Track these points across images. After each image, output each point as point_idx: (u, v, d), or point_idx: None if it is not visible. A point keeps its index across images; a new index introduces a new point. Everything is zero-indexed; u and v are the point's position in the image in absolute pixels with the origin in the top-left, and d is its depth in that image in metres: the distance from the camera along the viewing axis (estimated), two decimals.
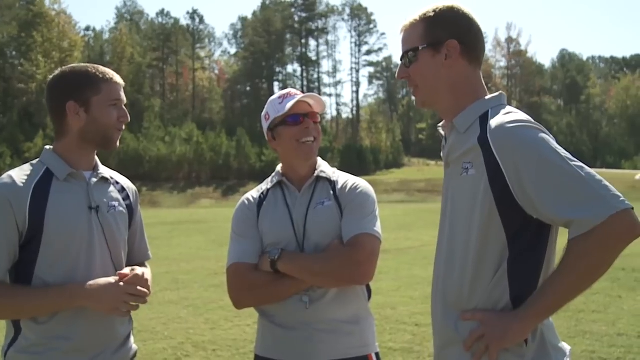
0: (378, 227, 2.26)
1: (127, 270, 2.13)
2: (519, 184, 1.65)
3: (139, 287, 2.10)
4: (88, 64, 2.20)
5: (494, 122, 1.72)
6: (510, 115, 1.74)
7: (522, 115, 1.74)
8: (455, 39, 1.81)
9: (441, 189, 1.99)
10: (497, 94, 1.86)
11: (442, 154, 1.96)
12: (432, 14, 1.84)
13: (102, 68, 2.19)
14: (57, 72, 2.21)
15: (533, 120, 1.72)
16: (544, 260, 1.74)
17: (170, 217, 27.21)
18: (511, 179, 1.65)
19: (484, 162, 1.70)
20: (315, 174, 2.34)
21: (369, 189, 2.36)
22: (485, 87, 1.90)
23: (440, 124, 1.97)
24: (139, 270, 2.17)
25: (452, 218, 1.83)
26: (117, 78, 2.21)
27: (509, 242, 1.71)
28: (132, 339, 2.30)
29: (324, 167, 2.39)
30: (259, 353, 2.34)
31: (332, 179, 2.36)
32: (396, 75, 1.95)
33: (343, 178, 2.37)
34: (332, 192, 2.31)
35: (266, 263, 2.22)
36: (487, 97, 1.85)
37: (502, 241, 1.72)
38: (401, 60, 1.91)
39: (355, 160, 64.37)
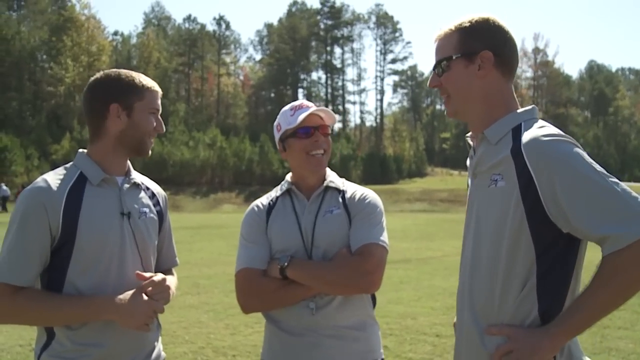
0: (385, 237, 2.29)
1: (147, 274, 2.13)
2: (552, 198, 1.63)
3: (157, 299, 2.10)
4: (131, 71, 2.22)
5: (528, 135, 1.71)
6: (544, 129, 1.73)
7: (556, 130, 1.73)
8: (490, 50, 1.81)
9: (464, 199, 1.97)
10: (529, 107, 1.86)
11: (468, 165, 1.95)
12: (467, 24, 1.85)
13: (144, 76, 2.22)
14: (100, 74, 2.21)
15: (567, 135, 1.71)
16: (572, 275, 1.73)
17: (193, 222, 27.39)
18: (544, 193, 1.64)
19: (515, 174, 1.69)
20: (324, 184, 2.38)
21: (377, 199, 2.40)
22: (517, 100, 1.89)
23: (468, 135, 1.96)
24: (159, 276, 2.16)
25: (478, 229, 1.82)
26: (157, 88, 2.23)
27: (537, 257, 1.70)
28: (160, 345, 2.32)
29: (332, 178, 2.43)
30: (265, 359, 2.37)
31: (341, 188, 2.40)
32: (428, 83, 1.96)
33: (352, 188, 2.42)
34: (341, 200, 2.35)
35: (275, 269, 2.24)
36: (519, 110, 1.84)
37: (531, 255, 1.70)
38: (434, 69, 1.91)
39: (378, 168, 64.32)
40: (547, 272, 1.70)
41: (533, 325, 1.71)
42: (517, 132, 1.75)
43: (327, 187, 2.38)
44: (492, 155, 1.79)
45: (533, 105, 1.87)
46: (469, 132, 1.97)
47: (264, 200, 2.45)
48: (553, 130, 1.72)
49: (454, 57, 1.84)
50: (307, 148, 2.33)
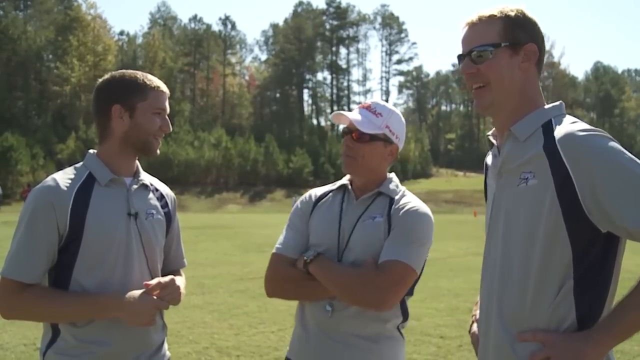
0: (418, 258, 2.19)
1: (154, 281, 2.14)
2: (592, 194, 1.55)
3: (168, 300, 2.14)
4: (137, 72, 2.23)
5: (562, 130, 1.64)
6: (577, 124, 1.67)
7: (589, 125, 1.66)
8: (534, 43, 1.76)
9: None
10: (557, 103, 1.80)
11: (489, 164, 1.89)
12: (512, 13, 1.76)
13: (150, 76, 2.23)
14: (107, 76, 2.24)
15: (602, 130, 1.64)
16: (611, 277, 1.64)
17: (197, 222, 27.42)
18: (582, 189, 1.56)
19: (550, 171, 1.61)
20: (377, 189, 2.32)
21: (426, 216, 2.28)
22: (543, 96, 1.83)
23: (490, 132, 1.89)
24: (168, 278, 2.18)
25: (507, 231, 1.72)
26: (164, 87, 2.23)
27: (574, 258, 1.61)
28: (165, 345, 2.34)
29: (390, 184, 2.36)
30: (288, 355, 2.39)
31: (393, 196, 2.32)
32: (461, 69, 1.83)
33: (405, 199, 2.32)
34: (387, 209, 2.28)
35: (301, 262, 2.26)
36: (546, 106, 1.78)
37: (568, 256, 1.61)
38: (467, 55, 1.80)
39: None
40: (585, 274, 1.61)
41: (569, 331, 1.61)
42: (548, 128, 1.68)
43: (380, 193, 2.32)
44: (521, 152, 1.71)
45: (561, 101, 1.81)
46: (489, 131, 1.90)
47: (320, 190, 2.47)
48: (587, 125, 1.65)
49: (502, 45, 1.75)
50: (342, 149, 2.34)
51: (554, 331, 1.62)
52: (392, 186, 2.36)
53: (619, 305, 1.58)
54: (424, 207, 2.31)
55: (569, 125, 1.65)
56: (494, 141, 1.87)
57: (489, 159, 1.91)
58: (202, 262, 13.04)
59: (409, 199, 2.33)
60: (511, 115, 1.77)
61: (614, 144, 1.59)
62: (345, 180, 2.42)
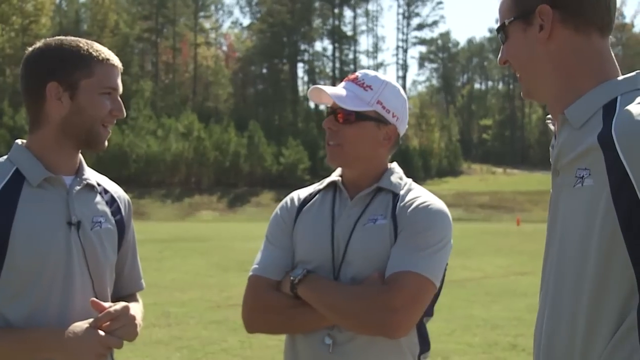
0: (435, 267, 2.21)
1: (106, 305, 2.11)
2: None
3: (120, 335, 2.10)
4: (80, 39, 2.22)
5: (624, 114, 1.55)
6: None
7: None
8: (547, 2, 1.70)
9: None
10: (631, 74, 1.70)
11: (550, 158, 1.83)
12: None
13: (97, 45, 2.21)
14: (39, 44, 2.21)
15: None
16: None
17: (162, 233, 27.43)
18: None
19: (605, 168, 1.54)
20: (375, 184, 2.34)
21: (442, 212, 2.31)
22: (617, 64, 1.74)
23: (549, 117, 1.85)
24: (120, 305, 2.14)
25: (562, 245, 1.69)
26: (116, 61, 2.22)
27: (639, 283, 1.53)
28: None
29: (392, 177, 2.37)
30: None
31: (397, 191, 2.34)
32: (498, 59, 1.86)
33: (413, 194, 2.34)
34: (391, 208, 2.30)
35: (287, 284, 2.26)
36: (619, 78, 1.69)
37: (630, 280, 1.53)
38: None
39: (399, 165, 64.36)
40: None
41: None
42: (609, 110, 1.60)
43: (379, 189, 2.34)
44: (577, 143, 1.64)
45: (638, 71, 1.71)
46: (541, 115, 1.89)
47: (303, 192, 2.48)
48: None
49: (506, 23, 1.77)
50: (326, 134, 2.34)
51: None
52: (394, 179, 2.36)
53: None
54: (438, 202, 2.33)
55: (635, 107, 1.55)
56: (552, 127, 1.83)
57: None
58: (168, 284, 13.04)
59: (417, 193, 2.34)
60: (559, 97, 1.75)
61: None
62: (334, 176, 2.42)
